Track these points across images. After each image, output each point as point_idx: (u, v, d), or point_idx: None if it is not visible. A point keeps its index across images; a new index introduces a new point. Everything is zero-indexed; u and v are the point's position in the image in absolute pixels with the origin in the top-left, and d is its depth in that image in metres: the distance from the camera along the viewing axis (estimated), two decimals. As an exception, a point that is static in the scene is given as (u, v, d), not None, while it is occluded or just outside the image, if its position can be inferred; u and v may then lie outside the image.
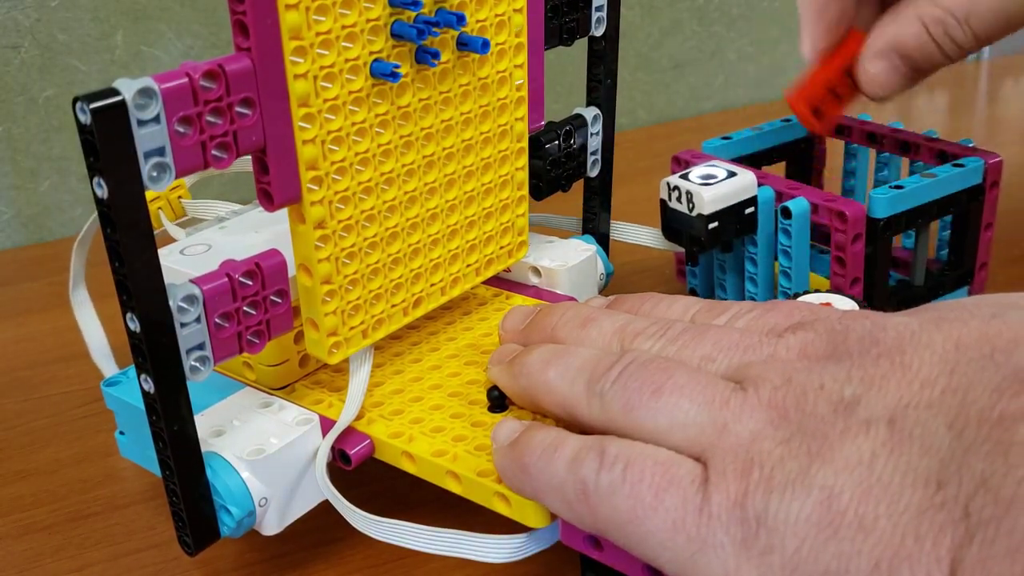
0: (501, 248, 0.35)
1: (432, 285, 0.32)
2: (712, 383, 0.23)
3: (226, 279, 0.26)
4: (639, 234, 0.41)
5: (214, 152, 0.24)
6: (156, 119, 0.23)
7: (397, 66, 0.28)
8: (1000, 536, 0.18)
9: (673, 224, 0.38)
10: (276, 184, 0.26)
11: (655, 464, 0.23)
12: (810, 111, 0.38)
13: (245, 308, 0.27)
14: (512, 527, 0.27)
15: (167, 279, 0.25)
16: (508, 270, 0.38)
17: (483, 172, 0.33)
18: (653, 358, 0.25)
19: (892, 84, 0.37)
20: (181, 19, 0.60)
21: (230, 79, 0.24)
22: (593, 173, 0.39)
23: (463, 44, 0.30)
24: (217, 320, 0.26)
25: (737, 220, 0.37)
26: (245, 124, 0.25)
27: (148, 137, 0.23)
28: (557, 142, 0.37)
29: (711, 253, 0.41)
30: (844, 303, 0.31)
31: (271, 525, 0.29)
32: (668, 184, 0.37)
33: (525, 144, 0.34)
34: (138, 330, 0.24)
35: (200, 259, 0.32)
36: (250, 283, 0.27)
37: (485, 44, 0.30)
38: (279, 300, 0.28)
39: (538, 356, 0.28)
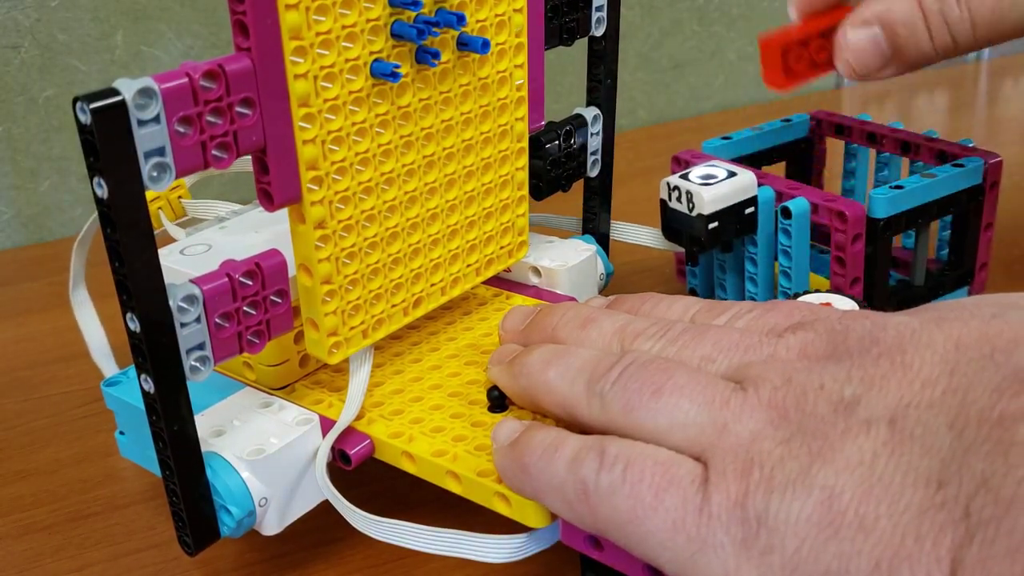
0: (501, 248, 0.35)
1: (432, 285, 0.32)
2: (712, 383, 0.23)
3: (226, 279, 0.26)
4: (639, 234, 0.41)
5: (214, 152, 0.24)
6: (156, 119, 0.23)
7: (397, 66, 0.28)
8: (1000, 536, 0.18)
9: (673, 224, 0.38)
10: (276, 184, 0.26)
11: (655, 464, 0.23)
12: (780, 56, 0.35)
13: (245, 308, 0.27)
14: (512, 527, 0.27)
15: (167, 279, 0.25)
16: (508, 270, 0.38)
17: (483, 172, 0.33)
18: (653, 358, 0.25)
19: (867, 59, 0.34)
20: (181, 19, 0.60)
21: (230, 79, 0.24)
22: (593, 173, 0.39)
23: (463, 44, 0.30)
24: (217, 320, 0.26)
25: (737, 220, 0.37)
26: (245, 124, 0.25)
27: (148, 137, 0.23)
28: (557, 142, 0.37)
29: (711, 253, 0.41)
30: (844, 303, 0.31)
31: (271, 525, 0.29)
32: (668, 184, 0.37)
33: (525, 144, 0.34)
34: (138, 330, 0.24)
35: (200, 259, 0.32)
36: (250, 283, 0.27)
37: (485, 44, 0.30)
38: (279, 300, 0.28)
39: (538, 356, 0.28)
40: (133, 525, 0.34)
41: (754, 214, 0.37)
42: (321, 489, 0.29)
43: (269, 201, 0.27)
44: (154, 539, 0.33)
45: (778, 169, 0.46)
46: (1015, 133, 0.67)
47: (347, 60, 0.27)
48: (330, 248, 0.28)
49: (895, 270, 0.43)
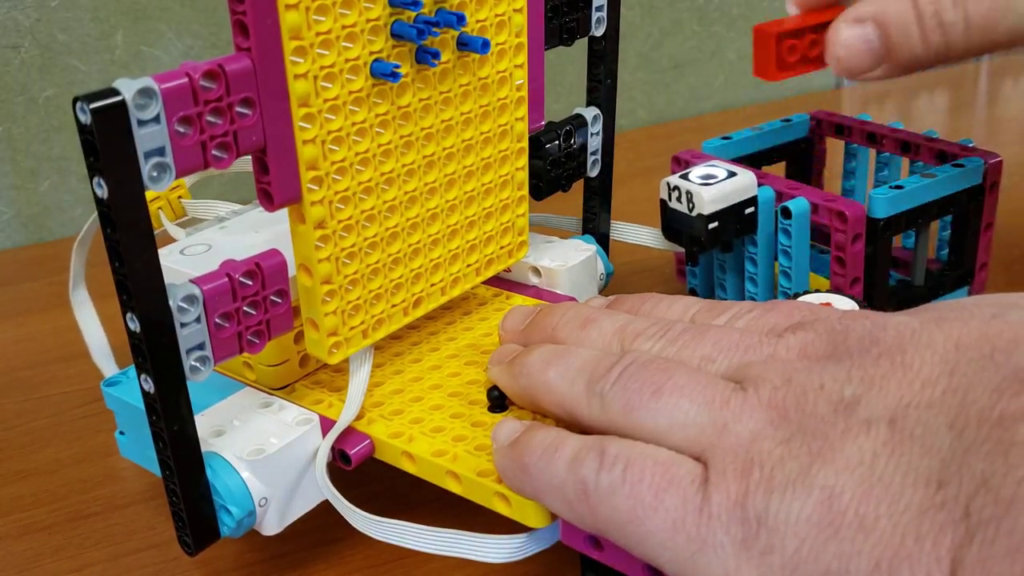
0: (501, 248, 0.35)
1: (432, 285, 0.32)
2: (712, 383, 0.23)
3: (226, 279, 0.26)
4: (639, 234, 0.41)
5: (214, 152, 0.24)
6: (156, 119, 0.23)
7: (397, 66, 0.28)
8: (1000, 536, 0.18)
9: (673, 224, 0.38)
10: (276, 184, 0.26)
11: (655, 464, 0.23)
12: (774, 46, 0.35)
13: (245, 308, 0.27)
14: (512, 527, 0.27)
15: (167, 279, 0.25)
16: (508, 270, 0.38)
17: (483, 172, 0.33)
18: (653, 359, 0.25)
19: (858, 58, 0.33)
20: (181, 19, 0.60)
21: (230, 79, 0.24)
22: (593, 173, 0.39)
23: (463, 44, 0.30)
24: (217, 320, 0.26)
25: (737, 220, 0.37)
26: (245, 124, 0.25)
27: (148, 137, 0.23)
28: (557, 142, 0.37)
29: (711, 253, 0.41)
30: (844, 303, 0.31)
31: (271, 525, 0.29)
32: (668, 184, 0.37)
33: (525, 144, 0.34)
34: (138, 330, 0.24)
35: (200, 259, 0.32)
36: (250, 283, 0.27)
37: (485, 44, 0.30)
38: (279, 300, 0.28)
39: (538, 356, 0.28)
40: (133, 525, 0.34)
41: (754, 214, 0.37)
42: (321, 489, 0.29)
43: (269, 201, 0.27)
44: (154, 539, 0.33)
45: (778, 169, 0.46)
46: (1015, 133, 0.67)
47: (347, 60, 0.27)
48: (330, 248, 0.28)
49: (895, 270, 0.43)
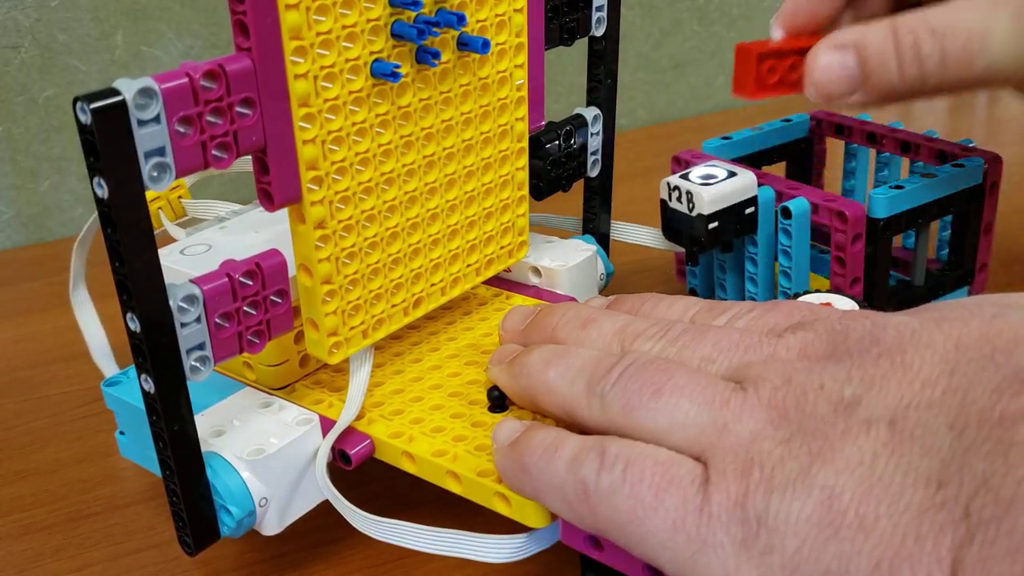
0: (501, 248, 0.35)
1: (432, 285, 0.32)
2: (712, 383, 0.23)
3: (226, 279, 0.26)
4: (639, 234, 0.41)
5: (214, 152, 0.24)
6: (156, 119, 0.23)
7: (397, 66, 0.28)
8: (1000, 536, 0.18)
9: (673, 224, 0.38)
10: (276, 184, 0.26)
11: (655, 464, 0.23)
12: (755, 63, 0.35)
13: (245, 308, 0.27)
14: (512, 527, 0.27)
15: (167, 279, 0.25)
16: (508, 270, 0.38)
17: (483, 172, 0.33)
18: (653, 359, 0.25)
19: (835, 83, 0.33)
20: (181, 19, 0.60)
21: (230, 79, 0.24)
22: (593, 173, 0.39)
23: (463, 44, 0.30)
24: (217, 320, 0.26)
25: (737, 220, 0.37)
26: (245, 124, 0.25)
27: (148, 137, 0.23)
28: (557, 142, 0.37)
29: (711, 253, 0.41)
30: (844, 303, 0.31)
31: (271, 525, 0.29)
32: (668, 184, 0.37)
33: (525, 144, 0.34)
34: (138, 330, 0.24)
35: (200, 259, 0.32)
36: (250, 283, 0.27)
37: (485, 44, 0.30)
38: (279, 300, 0.28)
39: (538, 356, 0.28)
40: (133, 525, 0.34)
41: (754, 214, 0.37)
42: (321, 489, 0.29)
43: (269, 201, 0.27)
44: (154, 539, 0.33)
45: (778, 169, 0.46)
46: (1015, 133, 0.67)
47: (347, 60, 0.27)
48: (330, 248, 0.28)
49: (895, 270, 0.43)
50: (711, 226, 0.36)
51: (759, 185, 0.37)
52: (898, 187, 0.37)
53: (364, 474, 0.31)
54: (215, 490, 0.27)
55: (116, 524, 0.34)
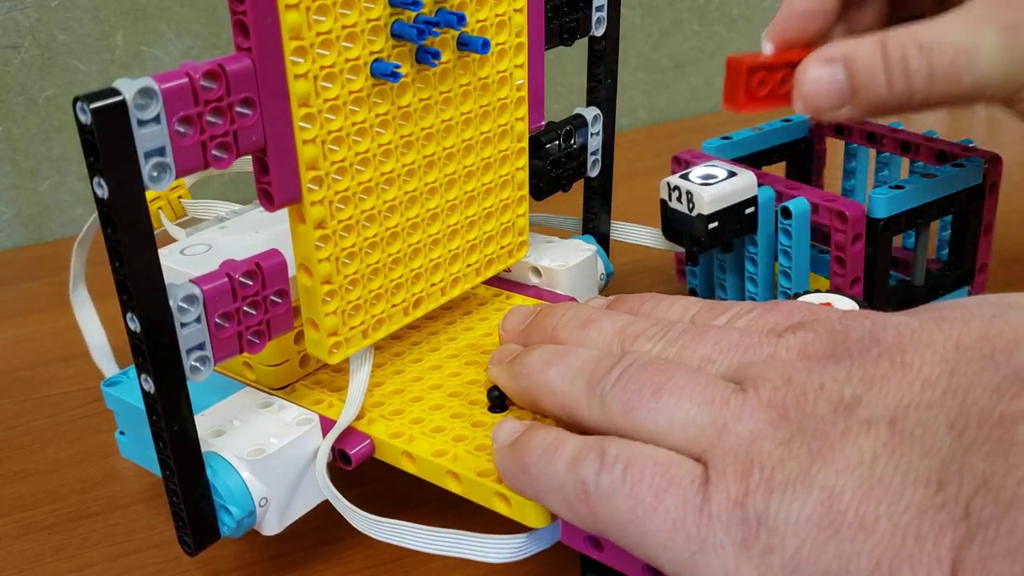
0: (501, 248, 0.35)
1: (432, 285, 0.32)
2: (712, 384, 0.23)
3: (226, 279, 0.26)
4: (639, 234, 0.41)
5: (214, 152, 0.24)
6: (156, 119, 0.23)
7: (397, 66, 0.28)
8: (1000, 536, 0.18)
9: (673, 224, 0.38)
10: (276, 184, 0.26)
11: (655, 464, 0.23)
12: (745, 76, 0.35)
13: (245, 308, 0.27)
14: (512, 527, 0.27)
15: (167, 279, 0.25)
16: (508, 270, 0.38)
17: (483, 172, 0.33)
18: (653, 359, 0.25)
19: (824, 97, 0.33)
20: (181, 19, 0.60)
21: (230, 79, 0.24)
22: (593, 173, 0.39)
23: (463, 44, 0.30)
24: (217, 320, 0.26)
25: (737, 220, 0.37)
26: (245, 124, 0.25)
27: (148, 137, 0.23)
28: (557, 142, 0.37)
29: (711, 253, 0.41)
30: (844, 303, 0.31)
31: (271, 525, 0.29)
32: (668, 184, 0.37)
33: (525, 144, 0.34)
34: (138, 330, 0.24)
35: (200, 259, 0.32)
36: (250, 283, 0.27)
37: (485, 44, 0.30)
38: (279, 300, 0.28)
39: (538, 356, 0.28)
40: (133, 525, 0.34)
41: (754, 214, 0.37)
42: (321, 489, 0.29)
43: (269, 201, 0.27)
44: (154, 539, 0.33)
45: (778, 169, 0.46)
46: (1015, 133, 0.67)
47: (347, 60, 0.27)
48: (330, 248, 0.28)
49: (895, 270, 0.43)
50: (711, 226, 0.36)
51: (759, 185, 0.37)
52: (898, 187, 0.37)
53: (364, 474, 0.31)
54: (215, 490, 0.27)
55: (116, 524, 0.34)
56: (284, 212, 0.28)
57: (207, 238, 0.33)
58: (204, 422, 0.29)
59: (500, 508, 0.27)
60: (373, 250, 0.30)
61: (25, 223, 0.61)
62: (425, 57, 0.29)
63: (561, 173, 0.37)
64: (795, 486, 0.21)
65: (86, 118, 0.22)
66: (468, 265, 0.34)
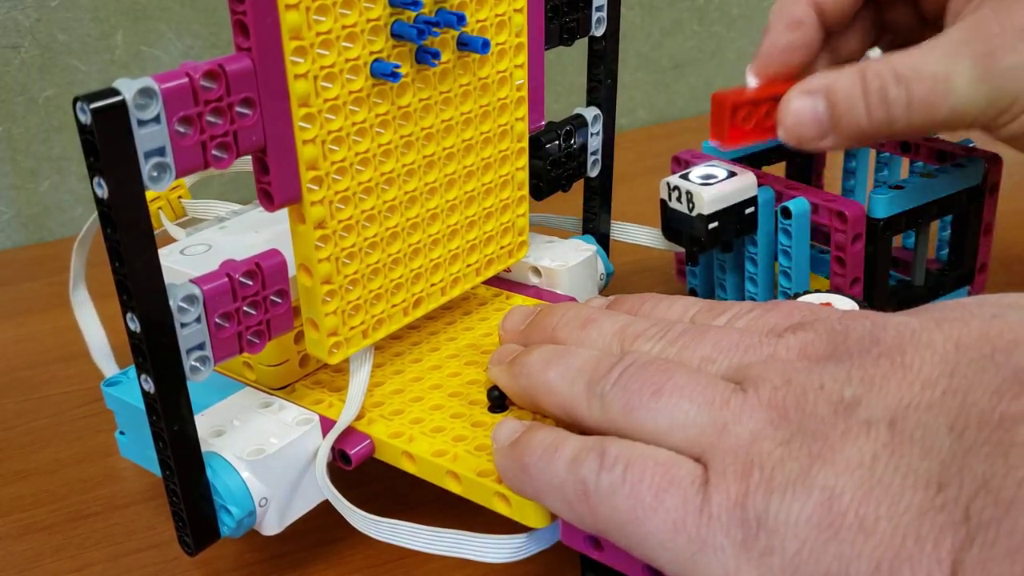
0: (501, 248, 0.35)
1: (432, 285, 0.32)
2: (712, 384, 0.23)
3: (226, 279, 0.26)
4: (639, 234, 0.41)
5: (214, 152, 0.24)
6: (156, 119, 0.23)
7: (397, 66, 0.28)
8: (1000, 537, 0.18)
9: (673, 224, 0.38)
10: (276, 184, 0.26)
11: (655, 465, 0.23)
12: (729, 113, 0.36)
13: (245, 308, 0.27)
14: (512, 527, 0.27)
15: (167, 279, 0.25)
16: (508, 270, 0.38)
17: (483, 172, 0.33)
18: (653, 359, 0.25)
19: (806, 126, 0.34)
20: (181, 19, 0.60)
21: (230, 79, 0.24)
22: (593, 173, 0.39)
23: (463, 44, 0.30)
24: (217, 320, 0.26)
25: (737, 220, 0.37)
26: (245, 124, 0.25)
27: (148, 137, 0.23)
28: (557, 142, 0.37)
29: (711, 253, 0.41)
30: (844, 303, 0.31)
31: (271, 525, 0.29)
32: (668, 184, 0.37)
33: (525, 144, 0.34)
34: (138, 330, 0.24)
35: (200, 259, 0.32)
36: (250, 283, 0.27)
37: (485, 44, 0.30)
38: (279, 300, 0.28)
39: (538, 356, 0.28)
40: (133, 525, 0.34)
41: (754, 214, 0.37)
42: (321, 489, 0.29)
43: (269, 201, 0.27)
44: (154, 539, 0.33)
45: (778, 169, 0.46)
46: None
47: (347, 60, 0.27)
48: (330, 248, 0.28)
49: (895, 270, 0.43)
50: (711, 226, 0.36)
51: (759, 185, 0.37)
52: (898, 187, 0.37)
53: (364, 474, 0.31)
54: (215, 490, 0.27)
55: (116, 524, 0.34)
56: (284, 212, 0.28)
57: (207, 238, 0.33)
58: (204, 422, 0.29)
59: (500, 508, 0.27)
60: (373, 250, 0.30)
61: (25, 223, 0.61)
62: (425, 57, 0.29)
63: (561, 173, 0.37)
64: (795, 487, 0.21)
65: (86, 118, 0.22)
66: (468, 265, 0.34)
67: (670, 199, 0.37)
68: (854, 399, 0.21)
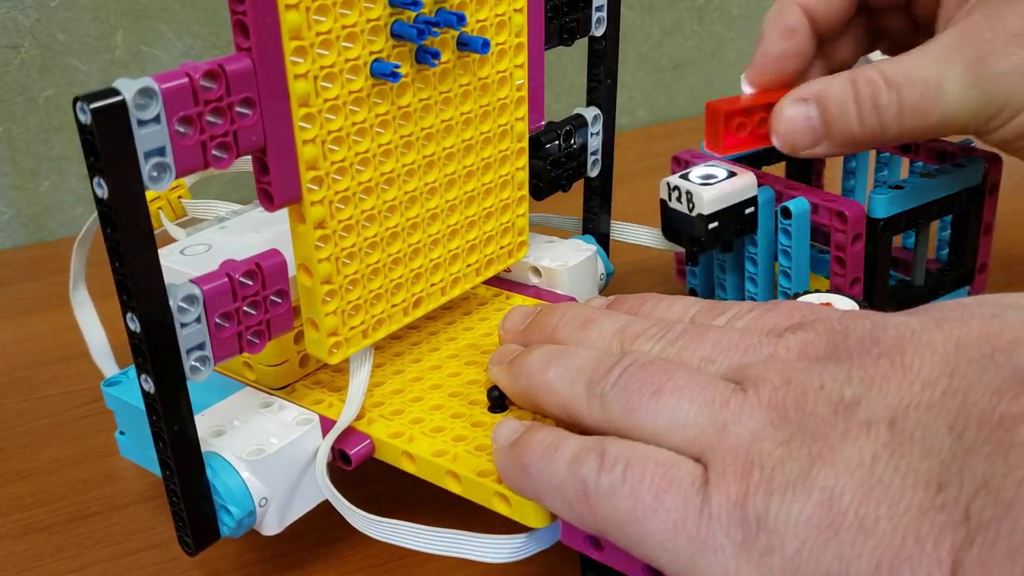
0: (501, 248, 0.35)
1: (432, 285, 0.32)
2: (712, 384, 0.23)
3: (226, 279, 0.26)
4: (639, 234, 0.41)
5: (214, 152, 0.24)
6: (156, 119, 0.23)
7: (397, 66, 0.28)
8: (1000, 537, 0.18)
9: (673, 224, 0.38)
10: (276, 184, 0.26)
11: (655, 465, 0.23)
12: (723, 122, 0.36)
13: (245, 308, 0.27)
14: (512, 527, 0.27)
15: (167, 279, 0.25)
16: (508, 270, 0.38)
17: (483, 172, 0.33)
18: (653, 359, 0.25)
19: (799, 133, 0.35)
20: (181, 19, 0.60)
21: (230, 79, 0.24)
22: (593, 173, 0.39)
23: (463, 44, 0.30)
24: (217, 320, 0.26)
25: (737, 220, 0.37)
26: (245, 124, 0.25)
27: (148, 137, 0.23)
28: (557, 142, 0.37)
29: (711, 253, 0.41)
30: (844, 303, 0.31)
31: (271, 525, 0.29)
32: (668, 184, 0.37)
33: (525, 144, 0.34)
34: (138, 330, 0.24)
35: (200, 259, 0.32)
36: (250, 283, 0.27)
37: (485, 44, 0.30)
38: (279, 300, 0.28)
39: (538, 356, 0.28)
40: (133, 525, 0.34)
41: (754, 214, 0.37)
42: (321, 489, 0.29)
43: (269, 201, 0.27)
44: (154, 539, 0.33)
45: (778, 169, 0.46)
46: (1015, 133, 0.67)
47: (347, 60, 0.27)
48: (330, 248, 0.28)
49: (895, 270, 0.43)
50: (711, 226, 0.36)
51: (759, 185, 0.37)
52: (898, 187, 0.37)
53: (364, 474, 0.31)
54: (215, 490, 0.27)
55: (116, 524, 0.34)
56: (284, 212, 0.28)
57: (207, 238, 0.33)
58: (204, 422, 0.29)
59: (500, 508, 0.27)
60: (373, 250, 0.30)
61: (25, 223, 0.61)
62: (425, 57, 0.29)
63: (561, 173, 0.37)
64: (795, 487, 0.21)
65: (86, 118, 0.22)
66: (468, 265, 0.34)
67: (670, 199, 0.37)
68: (854, 399, 0.21)
